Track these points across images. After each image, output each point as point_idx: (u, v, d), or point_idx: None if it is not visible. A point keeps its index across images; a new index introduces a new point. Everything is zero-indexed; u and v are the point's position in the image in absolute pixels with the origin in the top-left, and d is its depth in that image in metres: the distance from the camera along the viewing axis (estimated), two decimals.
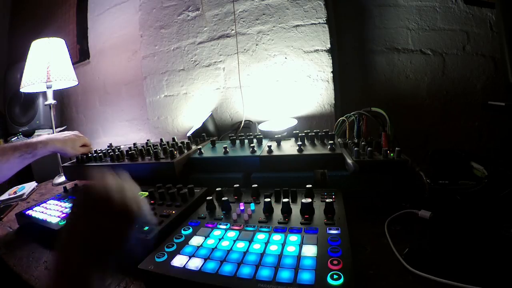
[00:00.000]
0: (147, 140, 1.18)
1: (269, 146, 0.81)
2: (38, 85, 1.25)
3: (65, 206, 0.77)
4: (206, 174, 0.84)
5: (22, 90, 1.28)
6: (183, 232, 0.53)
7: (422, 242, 0.50)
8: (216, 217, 0.58)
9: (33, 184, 1.18)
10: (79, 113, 2.13)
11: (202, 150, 0.89)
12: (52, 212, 0.75)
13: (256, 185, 0.66)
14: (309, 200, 0.55)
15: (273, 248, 0.46)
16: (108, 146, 1.19)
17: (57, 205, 0.79)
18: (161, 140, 1.09)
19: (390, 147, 0.72)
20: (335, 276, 0.37)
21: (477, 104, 1.07)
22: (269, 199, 0.59)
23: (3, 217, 0.89)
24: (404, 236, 0.52)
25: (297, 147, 0.78)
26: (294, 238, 0.48)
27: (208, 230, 0.53)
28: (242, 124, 1.26)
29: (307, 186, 0.63)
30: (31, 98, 1.86)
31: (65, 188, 0.90)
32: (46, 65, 1.23)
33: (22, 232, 0.78)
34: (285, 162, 0.77)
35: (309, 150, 0.78)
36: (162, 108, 1.51)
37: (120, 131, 1.92)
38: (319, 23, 1.11)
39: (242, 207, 0.60)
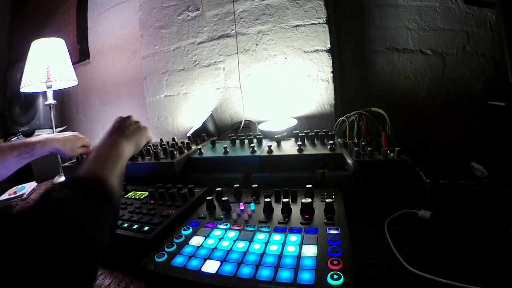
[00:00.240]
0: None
1: (269, 146, 0.81)
2: (38, 85, 1.25)
3: None
4: (206, 174, 0.84)
5: (22, 90, 1.28)
6: (183, 232, 0.53)
7: (422, 242, 0.50)
8: (216, 217, 0.58)
9: (33, 184, 1.17)
10: (79, 113, 2.13)
11: (202, 150, 0.89)
12: None
13: (256, 185, 0.66)
14: (309, 200, 0.56)
15: (273, 248, 0.46)
16: None
17: None
18: (161, 140, 1.09)
19: (390, 147, 0.73)
20: (335, 276, 0.37)
21: (477, 104, 1.07)
22: (269, 199, 0.59)
23: None
24: (404, 236, 0.52)
25: (297, 147, 0.78)
26: (294, 238, 0.48)
27: (208, 230, 0.53)
28: (242, 124, 1.26)
29: (307, 186, 0.63)
30: (31, 98, 1.86)
31: None
32: (46, 65, 1.23)
33: None
34: (285, 162, 0.77)
35: (309, 150, 0.78)
36: (162, 108, 1.51)
37: None
38: (319, 23, 1.11)
39: (242, 207, 0.60)
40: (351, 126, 0.88)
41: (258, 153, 0.80)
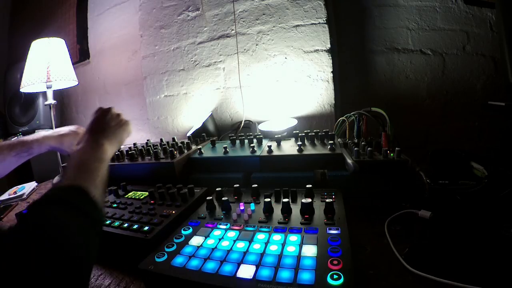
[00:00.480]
0: (147, 140, 1.18)
1: (269, 146, 0.81)
2: (38, 85, 1.25)
3: None
4: (206, 174, 0.84)
5: (22, 90, 1.28)
6: (183, 232, 0.53)
7: (422, 242, 0.50)
8: (216, 217, 0.58)
9: (33, 184, 1.17)
10: (79, 113, 2.13)
11: (202, 150, 0.89)
12: None
13: (256, 185, 0.66)
14: (309, 200, 0.56)
15: (273, 248, 0.46)
16: None
17: None
18: (161, 140, 1.09)
19: (390, 147, 0.73)
20: (335, 276, 0.37)
21: (477, 104, 1.07)
22: (269, 199, 0.59)
23: (3, 217, 0.89)
24: (404, 236, 0.52)
25: (297, 147, 0.78)
26: (294, 238, 0.48)
27: (208, 230, 0.53)
28: (242, 124, 1.26)
29: (307, 186, 0.63)
30: (31, 98, 1.86)
31: None
32: (46, 65, 1.23)
33: None
34: (285, 162, 0.77)
35: (309, 150, 0.78)
36: (162, 108, 1.51)
37: None
38: (319, 23, 1.11)
39: (242, 207, 0.60)
40: (351, 126, 0.88)
41: (258, 153, 0.80)
